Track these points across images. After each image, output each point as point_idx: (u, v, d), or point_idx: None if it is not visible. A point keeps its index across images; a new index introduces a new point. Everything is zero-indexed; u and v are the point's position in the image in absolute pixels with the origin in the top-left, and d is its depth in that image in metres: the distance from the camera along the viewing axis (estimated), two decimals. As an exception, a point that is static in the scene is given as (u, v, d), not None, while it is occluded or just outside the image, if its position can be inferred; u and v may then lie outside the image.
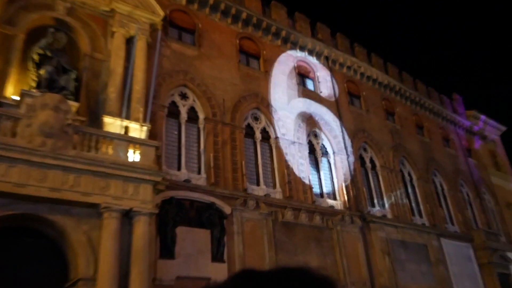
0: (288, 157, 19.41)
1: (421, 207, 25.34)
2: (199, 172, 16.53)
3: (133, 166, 12.56)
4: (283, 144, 19.59)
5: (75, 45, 15.28)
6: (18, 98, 12.69)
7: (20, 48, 13.73)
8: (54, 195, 11.29)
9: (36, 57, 13.93)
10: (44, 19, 14.80)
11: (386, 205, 23.01)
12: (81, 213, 11.85)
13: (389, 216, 22.53)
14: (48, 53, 13.99)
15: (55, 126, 11.57)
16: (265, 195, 17.60)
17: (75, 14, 15.31)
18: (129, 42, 15.86)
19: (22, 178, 10.98)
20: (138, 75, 15.35)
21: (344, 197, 20.71)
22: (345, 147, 22.36)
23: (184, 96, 17.62)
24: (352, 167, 22.05)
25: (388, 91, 28.19)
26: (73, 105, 13.07)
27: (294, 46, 23.35)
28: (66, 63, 14.29)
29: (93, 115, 14.00)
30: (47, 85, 13.35)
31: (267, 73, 21.13)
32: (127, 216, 12.39)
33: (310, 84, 23.57)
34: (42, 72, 13.59)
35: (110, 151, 12.54)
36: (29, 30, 14.18)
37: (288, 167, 19.15)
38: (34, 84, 13.49)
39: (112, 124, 13.55)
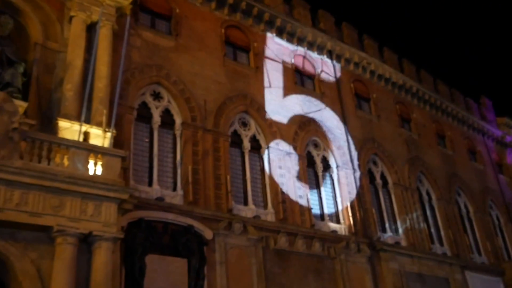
0: (282, 171, 19.50)
1: (442, 233, 25.58)
2: (174, 189, 16.52)
3: (93, 180, 12.53)
4: (276, 155, 19.69)
5: (23, 32, 15.28)
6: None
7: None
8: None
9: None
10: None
11: (400, 231, 23.18)
12: (28, 237, 11.74)
13: (404, 243, 22.70)
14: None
15: (-2, 130, 11.52)
16: (254, 217, 17.65)
17: (25, -5, 15.32)
18: (91, 29, 15.88)
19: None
20: (101, 69, 15.36)
21: (349, 220, 20.84)
22: (351, 160, 22.55)
23: (157, 96, 17.66)
24: (359, 184, 22.23)
25: (403, 93, 28.56)
26: (21, 105, 13.02)
27: (291, 37, 23.59)
28: (12, 54, 14.27)
29: (46, 117, 13.95)
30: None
31: (258, 69, 21.30)
32: (86, 242, 12.32)
33: (310, 84, 23.78)
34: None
35: (66, 162, 12.50)
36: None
37: (282, 183, 19.24)
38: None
39: (69, 129, 13.50)
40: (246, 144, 19.38)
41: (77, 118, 13.83)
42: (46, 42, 15.24)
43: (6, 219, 11.35)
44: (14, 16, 15.05)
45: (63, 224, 11.89)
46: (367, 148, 23.96)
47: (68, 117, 13.79)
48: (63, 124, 13.53)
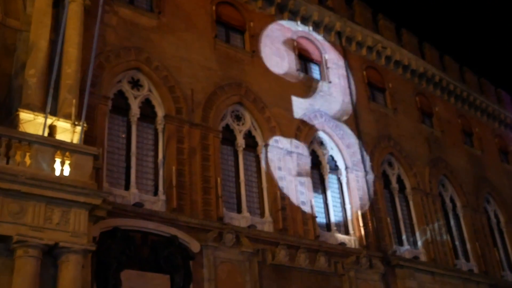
0: (282, 173, 19.52)
1: (468, 246, 25.71)
2: (155, 193, 16.51)
3: (60, 182, 12.47)
4: (275, 154, 19.72)
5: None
6: None
7: None
8: None
9: None
10: None
11: (419, 243, 23.27)
12: (-17, 249, 11.71)
13: (423, 258, 22.80)
14: None
15: None
16: (249, 227, 17.67)
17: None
18: (58, 4, 15.79)
19: None
20: (70, 52, 15.29)
21: (360, 231, 20.90)
22: (363, 161, 22.60)
23: (136, 84, 17.64)
24: (372, 189, 22.29)
25: (424, 82, 28.66)
26: (-24, 93, 12.97)
27: (294, 16, 23.60)
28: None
29: (4, 108, 13.88)
30: None
31: (254, 54, 21.31)
32: (51, 255, 12.25)
33: (315, 71, 23.81)
34: None
35: (28, 160, 12.43)
36: None
37: (282, 187, 19.26)
38: None
39: (32, 122, 13.41)
40: (240, 141, 19.38)
41: (41, 109, 13.74)
42: (5, 19, 15.15)
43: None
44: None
45: (24, 233, 11.80)
46: (381, 147, 24.04)
47: (31, 107, 13.69)
48: (25, 116, 13.42)
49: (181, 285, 15.00)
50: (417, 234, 23.50)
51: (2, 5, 15.24)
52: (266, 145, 19.69)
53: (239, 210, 18.21)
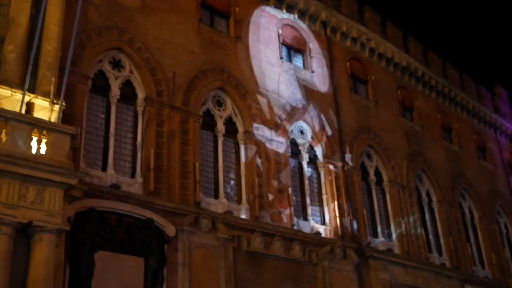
0: (261, 161, 19.62)
1: (442, 241, 26.12)
2: (133, 175, 16.52)
3: (36, 161, 12.43)
4: (255, 141, 19.78)
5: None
6: None
7: None
8: None
9: None
10: None
11: (394, 236, 23.60)
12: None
13: (397, 251, 23.12)
14: None
15: None
16: (225, 213, 17.78)
17: None
18: (41, -21, 15.63)
19: None
20: (51, 29, 15.12)
21: (336, 221, 21.13)
22: (342, 151, 22.79)
23: (117, 65, 17.53)
24: (349, 180, 22.48)
25: (406, 76, 28.88)
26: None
27: (280, 3, 23.57)
28: None
29: (-18, 83, 13.74)
30: None
31: (238, 39, 21.28)
32: (24, 233, 12.24)
33: (298, 59, 23.87)
34: None
35: (4, 137, 12.36)
36: None
37: (260, 174, 19.37)
38: None
39: (9, 99, 13.31)
40: (220, 127, 19.41)
41: (19, 85, 13.63)
42: (-17, -8, 14.95)
43: None
44: None
45: (-4, 211, 11.79)
46: (361, 138, 24.24)
47: (8, 83, 13.56)
48: (2, 91, 13.29)
49: (155, 268, 15.07)
50: (392, 226, 23.80)
51: (-19, -22, 15.00)
52: (247, 132, 19.74)
53: (216, 196, 18.29)
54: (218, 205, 17.95)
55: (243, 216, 18.33)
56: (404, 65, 28.45)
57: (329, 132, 22.79)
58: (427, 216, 26.23)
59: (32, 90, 13.97)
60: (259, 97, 20.77)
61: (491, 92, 35.94)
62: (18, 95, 13.39)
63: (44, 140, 12.94)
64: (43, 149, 12.85)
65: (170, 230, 15.92)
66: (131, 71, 17.71)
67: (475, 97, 33.52)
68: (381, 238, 23.04)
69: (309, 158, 22.00)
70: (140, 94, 17.62)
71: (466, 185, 29.47)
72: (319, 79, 23.83)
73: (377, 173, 24.68)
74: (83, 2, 15.57)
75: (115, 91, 17.10)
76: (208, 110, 19.39)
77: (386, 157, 25.04)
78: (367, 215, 22.91)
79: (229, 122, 19.83)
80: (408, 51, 29.38)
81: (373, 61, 27.21)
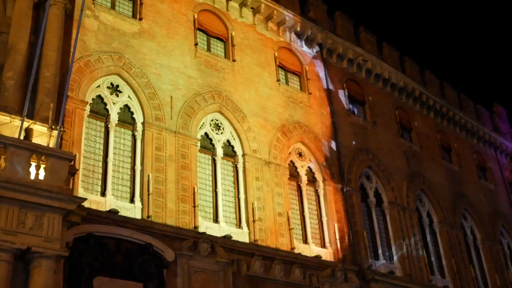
0: (259, 184, 19.77)
1: (444, 262, 26.09)
2: (131, 200, 16.68)
3: (35, 186, 12.55)
4: (253, 164, 19.97)
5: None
6: None
7: None
8: None
9: None
10: None
11: (395, 258, 23.57)
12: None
13: (399, 273, 23.09)
14: None
15: None
16: (224, 237, 17.83)
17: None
18: (39, 7, 15.97)
19: None
20: (49, 55, 15.47)
21: (336, 244, 21.18)
22: (340, 173, 22.93)
23: (115, 90, 17.81)
24: (349, 202, 22.58)
25: (404, 96, 29.10)
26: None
27: (276, 27, 23.94)
28: None
29: (-20, 110, 13.97)
30: None
31: (235, 63, 21.57)
32: (23, 260, 12.30)
33: (295, 82, 24.11)
34: None
35: (3, 163, 12.51)
36: None
37: (259, 198, 19.50)
38: None
39: (8, 125, 13.54)
40: (219, 151, 19.60)
41: (18, 112, 13.88)
42: (-16, 21, 15.28)
43: None
44: None
45: (-5, 237, 11.87)
46: (360, 160, 24.37)
47: (7, 110, 13.83)
48: (1, 118, 13.56)
49: (154, 293, 15.14)
50: (393, 248, 23.78)
51: (-19, 7, 15.36)
52: (244, 155, 19.92)
53: (215, 220, 18.39)
54: (218, 229, 18.01)
55: (242, 240, 18.40)
56: (401, 85, 28.67)
57: (328, 154, 22.95)
58: (428, 238, 26.22)
59: (31, 116, 14.23)
60: (257, 120, 20.98)
61: (489, 111, 36.18)
62: (17, 121, 13.61)
63: (42, 166, 13.06)
64: (41, 175, 12.97)
65: (169, 255, 15.98)
66: (129, 96, 17.97)
67: (473, 116, 33.72)
68: (382, 261, 23.02)
69: (308, 180, 22.12)
70: (138, 119, 17.85)
71: (467, 205, 29.50)
72: (317, 101, 24.07)
73: (377, 194, 24.73)
74: (81, 29, 15.86)
75: (113, 116, 17.35)
76: (206, 134, 19.60)
77: (385, 178, 25.14)
78: (368, 237, 22.92)
79: (228, 145, 20.02)
80: (405, 71, 29.65)
81: (370, 82, 27.45)
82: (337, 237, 21.30)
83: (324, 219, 21.67)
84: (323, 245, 21.13)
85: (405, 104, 29.14)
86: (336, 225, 21.57)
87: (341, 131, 24.21)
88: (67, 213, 13.01)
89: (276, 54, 23.50)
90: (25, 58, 14.94)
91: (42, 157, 13.14)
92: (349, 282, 20.24)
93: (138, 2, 19.56)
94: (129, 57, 18.21)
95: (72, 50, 15.15)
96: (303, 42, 24.92)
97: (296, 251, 19.59)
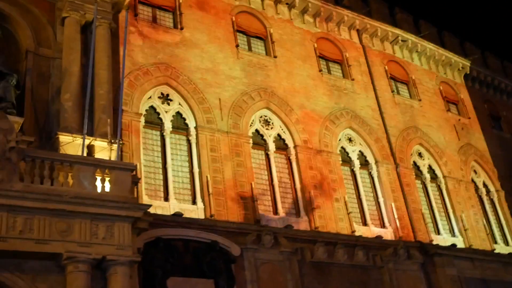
0: (313, 173, 19.64)
1: (506, 230, 25.34)
2: (193, 202, 16.85)
3: (102, 199, 12.79)
4: (305, 155, 19.85)
5: (12, 39, 15.76)
6: None
7: None
8: (-1, 246, 11.55)
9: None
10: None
11: (456, 231, 23.07)
12: (36, 267, 12.04)
13: (461, 245, 22.56)
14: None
15: (-7, 151, 11.89)
16: (285, 227, 17.80)
17: (11, -1, 15.81)
18: (86, 30, 16.31)
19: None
20: (101, 74, 15.77)
21: (395, 223, 20.86)
22: (392, 153, 22.55)
23: (166, 99, 18.01)
24: (403, 181, 22.20)
25: (447, 70, 28.39)
26: (16, 121, 13.41)
27: (313, 19, 23.71)
28: (2, 65, 14.70)
29: (44, 132, 14.37)
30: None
31: (277, 59, 21.48)
32: (99, 268, 12.56)
33: (337, 70, 23.84)
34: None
35: (71, 180, 12.79)
36: None
37: (315, 186, 19.37)
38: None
39: (71, 144, 13.88)
40: (271, 145, 19.57)
41: (79, 130, 14.18)
42: (38, 48, 15.70)
43: (10, 248, 11.61)
44: (1, 23, 15.48)
45: (72, 250, 12.13)
46: (409, 138, 23.96)
47: (68, 130, 14.18)
48: (64, 138, 13.91)
49: (226, 289, 15.24)
50: (453, 221, 23.30)
51: (34, 36, 15.77)
52: (296, 147, 19.83)
53: (275, 211, 18.39)
54: (278, 221, 18.01)
55: (303, 228, 18.33)
56: (443, 60, 28.04)
57: (377, 136, 22.61)
58: (487, 207, 25.57)
59: (91, 133, 14.51)
60: (304, 111, 20.86)
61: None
62: (78, 140, 13.90)
63: (107, 179, 13.29)
64: (107, 187, 13.20)
65: (235, 250, 16.07)
66: (179, 103, 18.15)
67: (520, 82, 32.61)
68: (443, 235, 22.55)
69: (361, 164, 21.85)
70: (191, 124, 18.01)
71: (523, 171, 28.60)
72: (360, 86, 23.74)
73: (431, 170, 24.28)
74: (127, 45, 16.07)
75: (167, 124, 17.56)
76: (257, 130, 19.60)
77: (437, 153, 24.63)
78: (426, 213, 22.53)
79: (279, 139, 19.97)
80: (445, 45, 28.93)
81: (411, 61, 26.94)
82: (396, 216, 20.98)
83: (381, 200, 21.35)
84: (382, 226, 20.85)
85: (449, 79, 28.46)
86: (393, 204, 21.24)
87: (387, 113, 23.81)
88: (135, 221, 13.19)
89: (316, 45, 23.28)
90: (79, 79, 15.25)
91: (106, 171, 13.36)
92: (413, 259, 19.91)
93: (178, 13, 19.72)
94: (175, 66, 18.39)
95: (121, 66, 15.37)
96: (341, 30, 24.60)
97: (356, 234, 19.38)
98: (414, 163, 23.80)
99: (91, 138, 14.26)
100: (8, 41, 15.55)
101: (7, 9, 15.71)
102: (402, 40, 26.43)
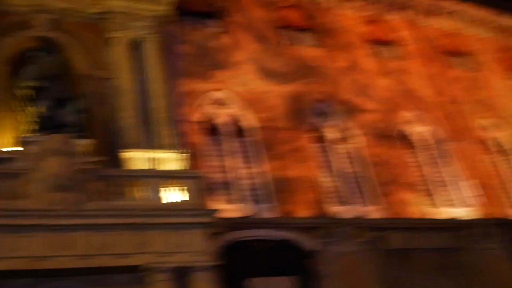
0: (377, 158, 19.70)
1: None
2: (263, 202, 17.19)
3: (175, 208, 13.41)
4: (369, 141, 19.95)
5: (68, 66, 16.54)
6: (10, 148, 13.95)
7: (3, 85, 15.09)
8: (80, 264, 12.23)
9: (23, 92, 15.21)
10: (24, 41, 16.21)
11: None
12: (121, 281, 12.77)
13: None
14: (38, 84, 15.20)
15: (65, 175, 12.60)
16: (359, 217, 17.94)
17: (60, 27, 16.68)
18: (136, 47, 17.01)
19: (35, 249, 11.96)
20: (156, 88, 16.44)
21: (474, 201, 20.57)
22: (460, 129, 22.22)
23: (220, 104, 18.49)
24: (477, 157, 21.86)
25: (507, 36, 27.48)
26: (85, 143, 14.17)
27: (357, 3, 23.57)
28: (62, 92, 15.47)
29: (111, 151, 15.03)
30: (46, 125, 14.55)
31: (328, 49, 21.59)
32: (180, 276, 13.01)
33: (392, 52, 23.47)
34: (35, 109, 14.82)
35: (143, 194, 13.47)
36: (10, 60, 15.55)
37: (381, 172, 19.40)
38: (28, 127, 14.72)
39: (138, 159, 14.61)
40: (330, 137, 19.70)
41: (143, 145, 14.90)
42: (92, 71, 16.48)
43: (92, 265, 12.35)
44: (56, 52, 16.33)
45: (151, 261, 12.77)
46: (474, 111, 23.49)
47: (133, 146, 14.92)
48: (132, 154, 14.65)
49: (307, 284, 15.49)
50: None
51: (87, 60, 16.57)
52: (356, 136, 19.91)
53: (346, 203, 18.49)
54: (351, 211, 18.15)
55: (377, 217, 18.36)
56: (503, 24, 27.11)
57: (444, 112, 22.39)
58: None
59: (153, 146, 15.17)
60: (363, 99, 20.89)
61: None
62: (144, 154, 14.59)
63: (177, 188, 13.85)
64: (178, 197, 13.74)
65: (310, 245, 16.32)
66: (233, 107, 18.55)
67: None
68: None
69: (436, 143, 21.63)
70: (247, 126, 18.39)
71: None
72: (417, 64, 23.43)
73: (499, 145, 23.69)
74: (176, 55, 16.55)
75: (223, 128, 17.99)
76: (314, 124, 19.71)
77: (507, 124, 24.03)
78: (506, 188, 22.02)
79: (338, 130, 20.06)
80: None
81: (468, 32, 26.27)
82: (474, 193, 20.68)
83: (457, 178, 21.04)
84: (461, 205, 20.53)
85: (508, 46, 27.54)
86: (470, 182, 20.92)
87: (447, 88, 23.49)
88: (209, 226, 13.64)
89: (364, 30, 23.13)
90: (134, 95, 15.95)
91: (174, 181, 13.96)
92: (495, 237, 19.47)
93: (221, 18, 20.12)
94: (224, 70, 18.83)
95: (173, 78, 15.90)
96: (390, 11, 24.22)
97: (434, 215, 19.23)
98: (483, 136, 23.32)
99: (156, 151, 14.89)
100: (64, 68, 16.33)
101: (59, 37, 16.56)
102: (449, 12, 25.79)
